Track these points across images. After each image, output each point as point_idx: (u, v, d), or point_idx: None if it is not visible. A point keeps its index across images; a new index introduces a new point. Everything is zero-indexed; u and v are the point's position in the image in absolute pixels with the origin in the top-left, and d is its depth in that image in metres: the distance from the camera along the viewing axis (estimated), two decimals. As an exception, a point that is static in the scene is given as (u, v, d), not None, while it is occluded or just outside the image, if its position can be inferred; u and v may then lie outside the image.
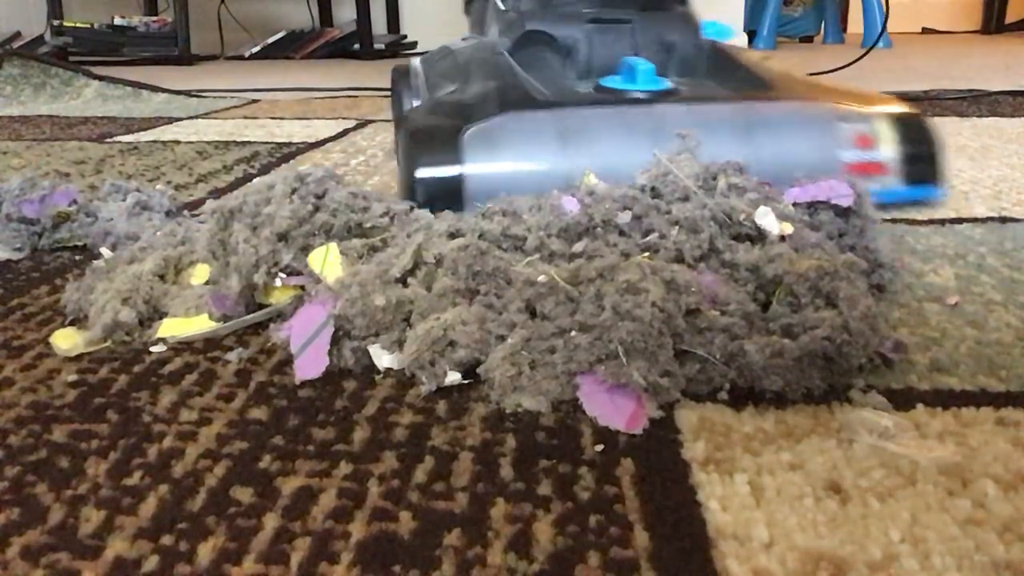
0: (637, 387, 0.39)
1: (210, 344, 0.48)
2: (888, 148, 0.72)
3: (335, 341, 0.45)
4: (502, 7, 0.87)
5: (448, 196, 0.65)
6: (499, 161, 0.67)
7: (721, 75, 0.80)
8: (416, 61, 0.97)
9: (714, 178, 0.55)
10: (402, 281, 0.47)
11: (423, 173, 0.66)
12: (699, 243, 0.49)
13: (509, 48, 0.83)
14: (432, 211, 0.57)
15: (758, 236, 0.51)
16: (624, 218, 0.51)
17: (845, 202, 0.54)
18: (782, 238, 0.51)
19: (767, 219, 0.51)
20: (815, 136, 0.71)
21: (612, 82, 0.77)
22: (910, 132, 0.72)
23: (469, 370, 0.42)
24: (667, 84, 0.77)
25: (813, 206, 0.55)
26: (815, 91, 0.78)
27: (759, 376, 0.40)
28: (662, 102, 0.73)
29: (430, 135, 0.68)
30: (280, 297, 0.51)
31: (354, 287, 0.46)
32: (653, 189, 0.55)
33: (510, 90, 0.73)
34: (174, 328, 0.49)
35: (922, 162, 0.72)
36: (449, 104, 0.73)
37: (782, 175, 0.58)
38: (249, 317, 0.50)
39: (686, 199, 0.53)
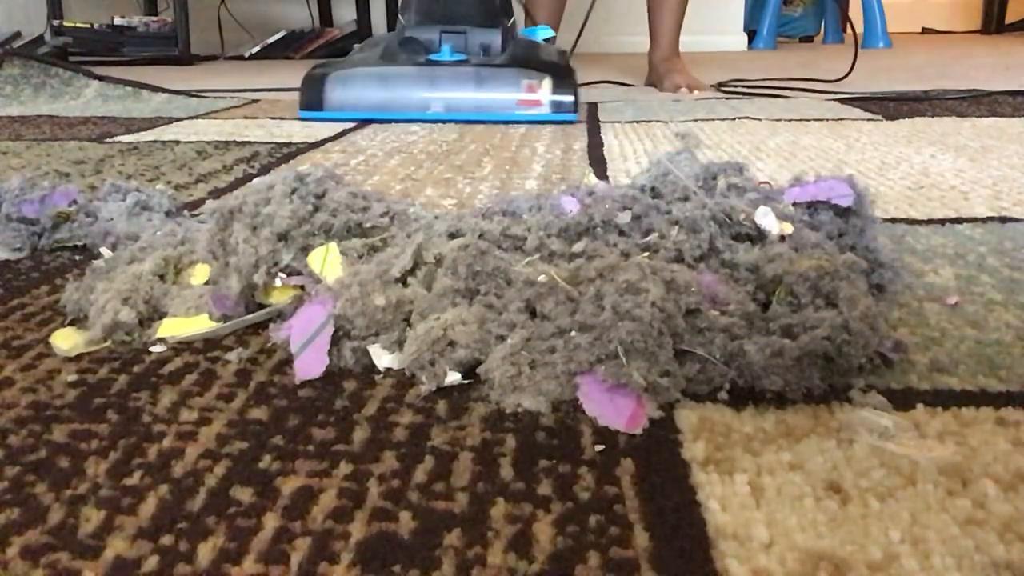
0: (637, 387, 0.39)
1: (210, 344, 0.48)
2: (544, 92, 1.40)
3: (335, 341, 0.45)
4: (402, 21, 1.56)
5: (319, 107, 1.43)
6: (343, 92, 1.44)
7: (515, 56, 1.49)
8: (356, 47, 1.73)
9: (714, 178, 0.55)
10: (402, 281, 0.47)
11: (306, 97, 1.44)
12: (699, 243, 0.49)
13: (398, 42, 1.51)
14: (307, 113, 1.45)
15: (758, 236, 0.51)
16: (624, 218, 0.51)
17: (845, 202, 0.54)
18: (782, 238, 0.51)
19: (767, 219, 0.51)
20: (505, 85, 1.41)
21: (434, 57, 1.47)
22: (559, 84, 1.40)
23: (469, 370, 0.42)
24: (462, 57, 1.47)
25: (813, 206, 0.55)
26: (527, 62, 1.47)
27: (759, 376, 0.40)
28: (443, 66, 1.45)
29: (311, 79, 1.45)
30: (280, 297, 0.51)
31: (354, 287, 0.46)
32: (653, 189, 0.55)
33: (357, 61, 1.51)
34: (174, 328, 0.49)
35: (563, 102, 1.39)
36: (330, 66, 1.48)
37: (491, 104, 1.41)
38: (249, 317, 0.50)
39: (686, 199, 0.53)
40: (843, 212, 0.54)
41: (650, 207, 0.52)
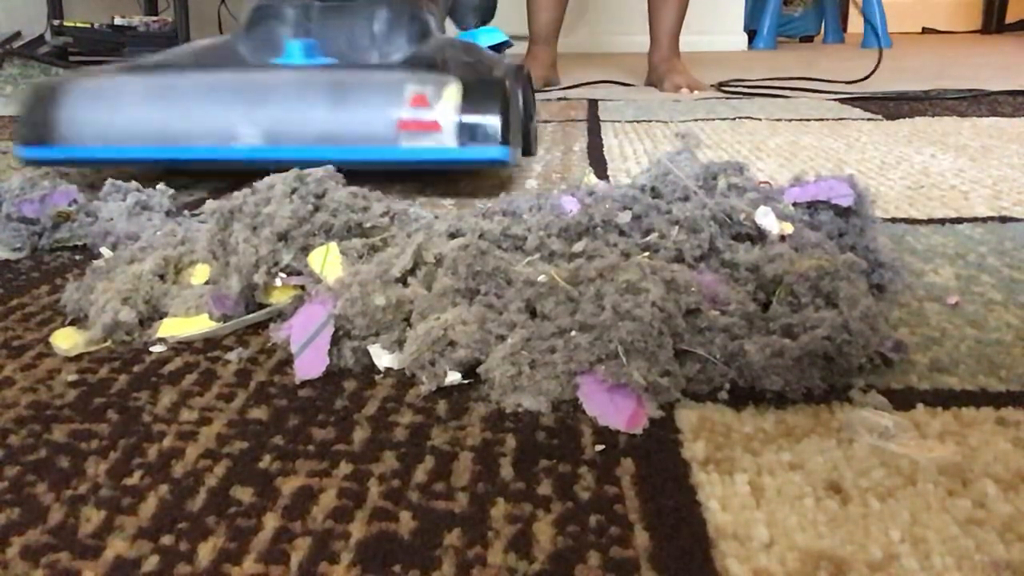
0: (637, 387, 0.39)
1: (210, 344, 0.48)
2: (445, 109, 0.77)
3: (335, 341, 0.45)
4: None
5: (43, 141, 0.83)
6: (86, 116, 0.83)
7: (414, 55, 0.92)
8: None
9: (714, 178, 0.55)
10: (402, 281, 0.47)
11: (25, 126, 0.84)
12: (699, 243, 0.49)
13: (243, 27, 0.96)
14: (28, 146, 0.84)
15: (758, 236, 0.51)
16: (624, 218, 0.51)
17: (845, 202, 0.54)
18: (782, 238, 0.51)
19: (767, 219, 0.51)
20: (377, 98, 0.79)
21: (279, 58, 0.90)
22: (476, 97, 0.78)
23: (469, 370, 0.42)
24: (324, 61, 0.90)
25: (813, 206, 0.55)
26: (429, 60, 0.88)
27: (759, 376, 0.40)
28: (284, 70, 0.86)
29: (35, 95, 0.85)
30: (280, 297, 0.51)
31: (354, 287, 0.46)
32: (653, 189, 0.55)
33: (135, 65, 0.91)
34: (174, 328, 0.49)
35: (480, 127, 0.78)
36: (77, 74, 0.90)
37: (350, 130, 0.78)
38: (249, 317, 0.50)
39: (686, 199, 0.53)
40: (843, 212, 0.54)
41: (650, 207, 0.52)
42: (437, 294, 0.45)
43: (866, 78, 1.93)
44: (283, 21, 0.94)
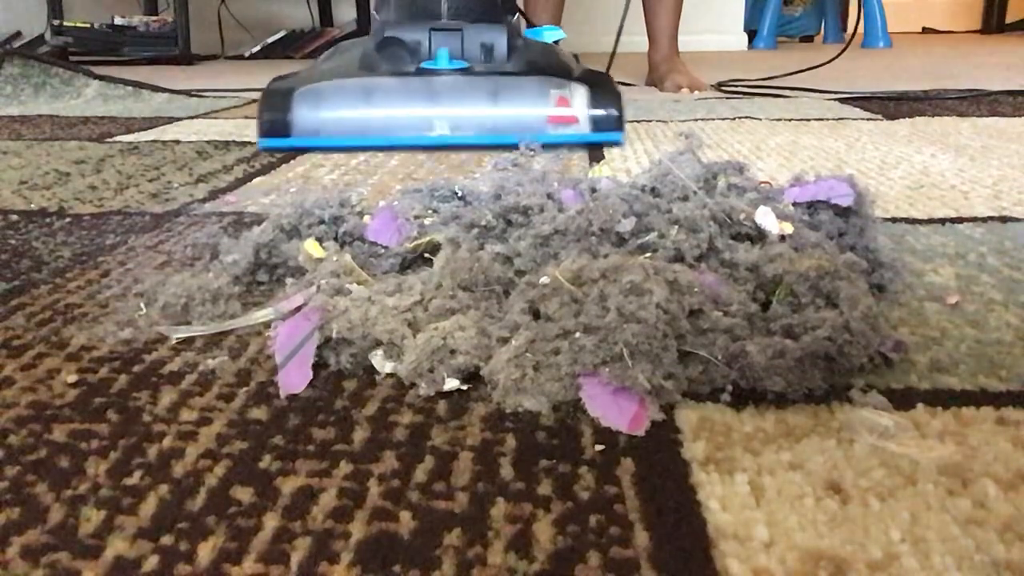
0: (641, 390, 0.39)
1: (210, 344, 0.48)
2: (579, 107, 1.11)
3: (334, 347, 0.44)
4: (378, 18, 1.28)
5: (284, 132, 1.10)
6: (317, 112, 1.10)
7: (522, 60, 1.22)
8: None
9: (714, 178, 0.55)
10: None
11: (268, 121, 1.11)
12: (698, 243, 0.49)
13: (375, 46, 1.22)
14: (269, 141, 1.11)
15: (758, 236, 0.51)
16: (626, 226, 0.51)
17: (845, 202, 0.54)
18: (782, 238, 0.51)
19: (767, 219, 0.51)
20: (531, 98, 1.12)
21: (428, 64, 1.18)
22: (599, 95, 1.12)
23: (469, 377, 0.42)
24: (463, 64, 1.18)
25: (813, 206, 0.55)
26: (553, 69, 1.18)
27: (761, 377, 0.40)
28: (443, 75, 1.15)
29: (274, 95, 1.12)
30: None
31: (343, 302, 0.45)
32: (653, 189, 0.55)
33: (329, 71, 1.19)
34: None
35: (605, 117, 1.11)
36: (296, 78, 1.18)
37: (512, 122, 1.10)
38: (250, 317, 0.50)
39: (686, 199, 0.53)
40: (843, 212, 0.54)
41: (650, 206, 0.52)
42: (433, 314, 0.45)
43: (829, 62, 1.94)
44: (410, 37, 1.22)
